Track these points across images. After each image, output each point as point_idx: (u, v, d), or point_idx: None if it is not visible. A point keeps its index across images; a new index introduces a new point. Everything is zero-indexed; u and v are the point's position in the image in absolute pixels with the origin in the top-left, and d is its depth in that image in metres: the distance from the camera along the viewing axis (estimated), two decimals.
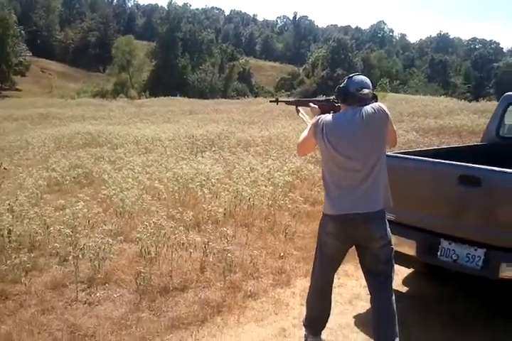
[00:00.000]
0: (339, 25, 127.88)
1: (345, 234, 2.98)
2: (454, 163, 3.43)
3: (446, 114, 19.95)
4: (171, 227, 4.87)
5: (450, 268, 3.59)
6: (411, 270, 4.39)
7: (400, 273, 4.40)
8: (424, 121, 17.05)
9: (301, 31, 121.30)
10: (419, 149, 4.96)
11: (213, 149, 10.20)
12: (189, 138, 12.44)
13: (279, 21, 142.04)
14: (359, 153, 2.90)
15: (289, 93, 70.90)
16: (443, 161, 3.47)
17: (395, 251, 3.09)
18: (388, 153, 3.79)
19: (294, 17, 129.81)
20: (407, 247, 3.56)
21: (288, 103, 3.68)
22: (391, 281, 3.06)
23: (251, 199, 5.88)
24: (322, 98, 3.48)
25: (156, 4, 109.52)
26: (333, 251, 3.09)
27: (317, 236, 3.18)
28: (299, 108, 3.49)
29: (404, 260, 3.78)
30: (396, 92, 46.97)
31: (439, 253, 3.44)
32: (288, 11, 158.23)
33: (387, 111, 2.95)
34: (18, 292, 4.00)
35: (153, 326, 3.46)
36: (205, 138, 12.58)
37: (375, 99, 3.04)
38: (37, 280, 4.26)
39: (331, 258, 3.12)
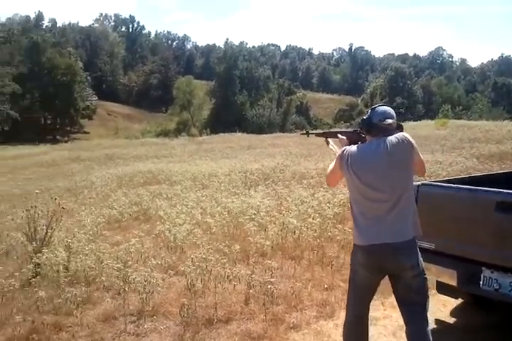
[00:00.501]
0: (396, 54, 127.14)
1: (374, 264, 2.98)
2: (491, 189, 3.36)
3: (509, 138, 19.28)
4: (218, 260, 4.99)
5: (493, 298, 3.47)
6: (459, 301, 4.26)
7: (450, 303, 4.30)
8: (485, 146, 16.57)
9: (357, 62, 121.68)
10: (458, 177, 4.86)
11: (266, 183, 10.33)
12: (244, 173, 12.65)
13: (335, 53, 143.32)
14: (384, 184, 2.92)
15: (348, 124, 70.71)
16: (480, 188, 3.42)
17: (439, 282, 3.04)
18: (425, 182, 3.80)
19: (350, 48, 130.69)
20: (447, 277, 3.48)
21: (318, 135, 3.75)
22: (426, 311, 3.01)
23: (297, 232, 5.91)
24: (350, 129, 3.54)
25: (214, 44, 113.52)
26: (364, 281, 3.09)
27: (350, 266, 3.19)
28: (329, 139, 3.57)
29: (449, 290, 3.71)
30: (459, 118, 45.85)
31: (481, 282, 3.35)
32: (343, 43, 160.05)
33: (411, 140, 2.95)
34: (71, 324, 4.21)
35: None
36: (260, 173, 12.78)
37: (400, 128, 3.08)
38: (89, 313, 4.45)
39: (363, 288, 3.12)
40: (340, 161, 3.07)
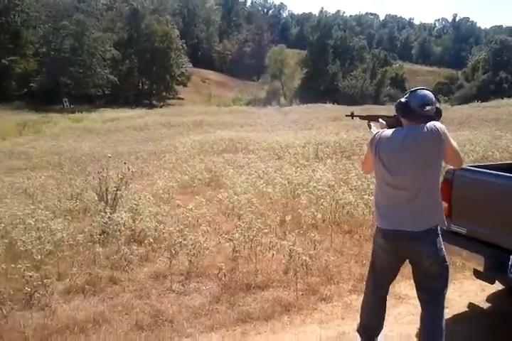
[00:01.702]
0: (504, 26, 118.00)
1: (392, 248, 3.03)
2: None
3: None
4: (267, 229, 5.20)
5: None
6: (500, 286, 4.17)
7: (488, 288, 4.22)
8: None
9: (461, 33, 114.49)
10: (495, 163, 4.65)
11: (336, 156, 10.31)
12: (320, 145, 12.65)
13: (437, 24, 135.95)
14: (408, 172, 2.90)
15: (446, 98, 67.45)
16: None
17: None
18: (463, 166, 3.71)
19: (454, 19, 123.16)
20: (475, 262, 3.45)
21: (361, 118, 3.73)
22: (442, 298, 3.02)
23: (348, 207, 5.95)
24: (391, 115, 3.48)
25: (310, 13, 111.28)
26: (383, 263, 3.14)
27: (372, 247, 3.25)
28: (371, 123, 3.55)
29: (482, 276, 3.67)
30: None
31: (508, 269, 3.28)
32: (447, 14, 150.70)
33: (442, 131, 2.86)
34: (124, 279, 4.62)
35: (223, 317, 3.81)
36: (337, 145, 12.72)
37: (439, 115, 3.01)
38: (143, 270, 4.85)
39: (383, 269, 3.17)
40: (371, 146, 3.10)
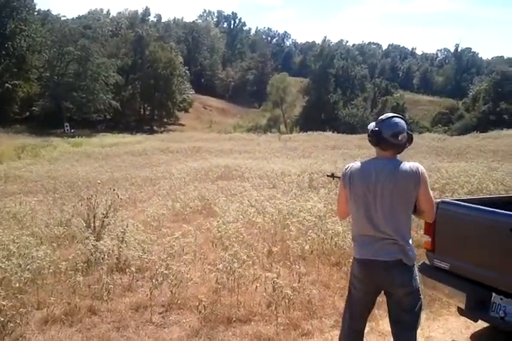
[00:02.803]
0: (506, 57, 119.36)
1: (367, 278, 3.00)
2: (507, 212, 3.20)
3: None
4: (252, 261, 5.13)
5: (497, 326, 3.31)
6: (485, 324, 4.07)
7: (474, 326, 4.13)
8: None
9: (463, 64, 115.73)
10: (479, 197, 4.61)
11: (329, 186, 10.27)
12: (316, 174, 12.63)
13: (439, 54, 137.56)
14: (379, 206, 2.88)
15: (446, 128, 67.78)
16: (496, 211, 3.26)
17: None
18: (445, 199, 3.68)
19: (456, 49, 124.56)
20: (457, 299, 3.38)
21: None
22: (414, 331, 2.98)
23: (335, 238, 5.88)
24: None
25: (313, 42, 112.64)
26: (360, 295, 3.09)
27: (349, 279, 3.20)
28: None
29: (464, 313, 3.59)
30: None
31: (490, 308, 3.21)
32: (449, 44, 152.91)
33: (423, 175, 2.86)
34: (104, 309, 4.53)
35: None
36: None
37: (410, 141, 2.99)
38: (124, 300, 4.77)
39: (360, 302, 3.12)
40: (343, 179, 3.06)
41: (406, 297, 2.93)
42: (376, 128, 2.97)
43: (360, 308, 3.14)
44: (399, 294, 2.94)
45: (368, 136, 3.03)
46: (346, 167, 3.08)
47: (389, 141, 2.92)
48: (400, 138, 2.92)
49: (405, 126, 2.97)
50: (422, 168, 2.88)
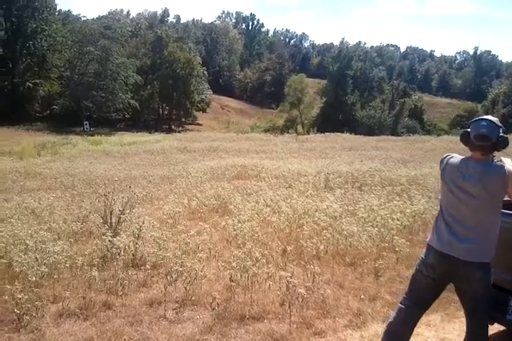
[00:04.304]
0: None
1: (444, 269, 3.03)
2: None
3: None
4: (266, 260, 5.13)
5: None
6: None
7: (490, 329, 4.06)
8: None
9: (482, 66, 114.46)
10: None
11: (346, 187, 10.22)
12: (332, 175, 12.58)
13: (458, 57, 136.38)
14: (467, 205, 2.94)
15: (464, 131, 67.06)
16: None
17: None
18: None
19: (475, 52, 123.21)
20: None
21: None
22: (485, 310, 3.07)
23: (350, 239, 5.85)
24: None
25: (331, 43, 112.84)
26: (429, 281, 3.12)
27: (416, 266, 3.23)
28: None
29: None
30: None
31: (507, 311, 3.17)
32: (468, 46, 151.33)
33: (510, 174, 2.85)
34: (119, 304, 4.56)
35: None
36: (349, 175, 12.63)
37: (503, 145, 2.95)
38: (139, 296, 4.79)
39: (423, 290, 3.15)
40: (440, 165, 3.15)
41: (480, 289, 2.99)
42: (468, 129, 3.04)
43: (425, 294, 3.17)
44: (473, 287, 2.99)
45: (460, 136, 3.10)
46: (445, 156, 3.16)
47: (474, 143, 2.95)
48: (480, 144, 2.92)
49: (492, 130, 2.94)
50: (508, 168, 2.88)
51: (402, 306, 3.23)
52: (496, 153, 3.01)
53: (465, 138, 3.01)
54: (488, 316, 3.10)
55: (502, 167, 2.88)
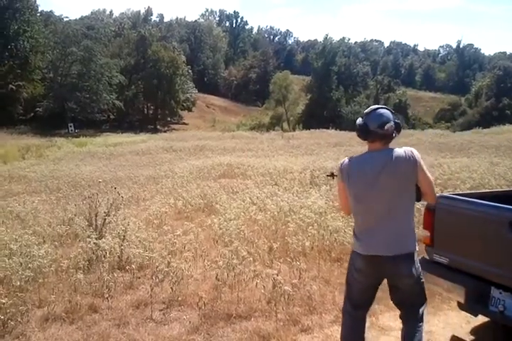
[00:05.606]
0: (508, 53, 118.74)
1: (373, 271, 3.03)
2: (506, 206, 3.19)
3: None
4: (252, 258, 5.13)
5: (496, 320, 3.30)
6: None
7: (474, 321, 4.12)
8: None
9: (465, 60, 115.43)
10: (479, 191, 4.60)
11: (331, 183, 10.25)
12: (318, 171, 12.62)
13: (441, 50, 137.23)
14: (381, 197, 2.90)
15: (448, 124, 67.68)
16: (494, 204, 3.25)
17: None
18: (444, 194, 3.68)
19: (458, 45, 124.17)
20: (457, 294, 3.37)
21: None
22: (422, 311, 3.06)
23: (334, 235, 5.88)
24: None
25: (316, 40, 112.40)
26: (362, 286, 3.13)
27: (347, 272, 3.21)
28: None
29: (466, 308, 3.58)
30: None
31: (489, 302, 3.20)
32: (451, 40, 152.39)
33: (418, 158, 2.89)
34: (105, 307, 4.54)
35: None
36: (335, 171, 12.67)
37: (398, 130, 3.00)
38: (126, 298, 4.78)
39: (362, 291, 3.15)
40: (341, 175, 3.08)
41: (412, 285, 3.00)
42: (362, 122, 3.00)
43: (362, 297, 3.17)
44: (404, 283, 3.00)
45: (356, 131, 3.05)
46: (341, 163, 3.10)
47: (377, 133, 2.94)
48: (386, 128, 2.93)
49: (391, 116, 2.98)
50: (415, 151, 2.91)
51: (345, 312, 3.27)
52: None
53: (364, 132, 2.96)
54: (424, 310, 3.11)
55: (408, 149, 2.90)
